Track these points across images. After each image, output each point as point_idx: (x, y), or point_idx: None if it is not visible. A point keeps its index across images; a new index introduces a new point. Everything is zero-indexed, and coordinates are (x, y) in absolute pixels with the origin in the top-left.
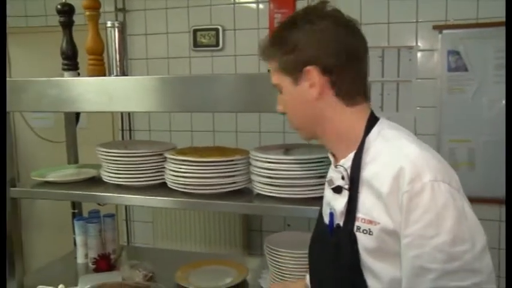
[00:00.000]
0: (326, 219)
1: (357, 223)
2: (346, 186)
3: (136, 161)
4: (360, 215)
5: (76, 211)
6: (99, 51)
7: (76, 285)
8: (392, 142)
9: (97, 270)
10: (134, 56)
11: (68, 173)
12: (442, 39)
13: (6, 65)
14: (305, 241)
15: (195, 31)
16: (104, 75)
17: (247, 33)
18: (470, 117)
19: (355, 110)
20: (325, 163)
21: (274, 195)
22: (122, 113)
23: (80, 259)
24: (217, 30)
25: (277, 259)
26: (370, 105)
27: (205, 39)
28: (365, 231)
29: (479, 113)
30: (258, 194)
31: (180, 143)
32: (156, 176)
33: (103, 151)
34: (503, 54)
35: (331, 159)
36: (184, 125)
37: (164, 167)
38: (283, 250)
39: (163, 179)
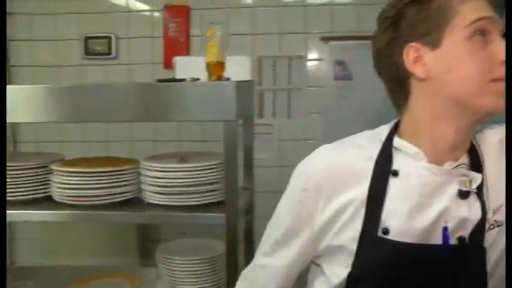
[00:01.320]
0: (422, 239)
1: (487, 224)
2: (475, 190)
3: (19, 174)
4: (489, 215)
5: None
6: None
7: None
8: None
9: None
10: (18, 63)
11: None
12: (328, 49)
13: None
14: (198, 247)
15: (87, 38)
16: None
17: (142, 41)
18: (356, 122)
19: None
20: (216, 170)
21: (165, 203)
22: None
23: None
24: (109, 38)
25: (170, 267)
26: None
27: (98, 47)
28: (493, 225)
29: (363, 119)
30: (150, 203)
31: (72, 154)
32: (41, 189)
33: None
34: None
35: (423, 157)
36: (76, 136)
37: (49, 180)
38: (174, 257)
39: (49, 192)
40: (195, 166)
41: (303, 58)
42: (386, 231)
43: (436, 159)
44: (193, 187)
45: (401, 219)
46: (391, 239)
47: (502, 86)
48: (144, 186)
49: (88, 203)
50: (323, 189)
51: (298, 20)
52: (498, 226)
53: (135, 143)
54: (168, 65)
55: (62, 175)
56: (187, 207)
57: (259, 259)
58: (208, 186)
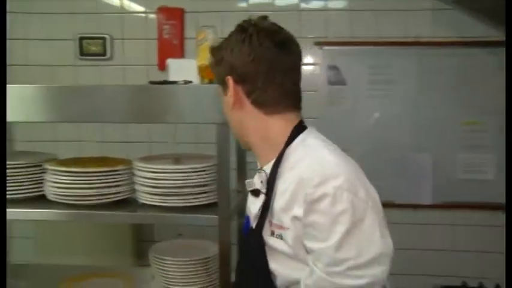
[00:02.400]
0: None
1: (271, 228)
2: (264, 190)
3: (13, 172)
4: (274, 220)
5: None
6: None
7: None
8: (312, 152)
9: None
10: (12, 62)
11: None
12: (322, 54)
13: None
14: (192, 248)
15: (81, 39)
16: None
17: (136, 43)
18: (349, 128)
19: (277, 118)
20: (208, 172)
21: (159, 204)
22: None
23: None
24: (104, 39)
25: (162, 267)
26: (299, 115)
27: (93, 47)
28: (278, 236)
29: (357, 124)
30: (143, 204)
31: (66, 154)
32: (35, 188)
33: None
34: (375, 70)
35: (258, 165)
36: (71, 136)
37: (43, 179)
38: (167, 258)
39: (42, 191)
40: (188, 168)
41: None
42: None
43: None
44: (186, 188)
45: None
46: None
47: None
48: (137, 187)
49: (82, 203)
50: None
51: (292, 24)
52: (280, 239)
53: (130, 144)
54: (163, 66)
55: (55, 174)
56: (180, 208)
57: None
58: (202, 188)
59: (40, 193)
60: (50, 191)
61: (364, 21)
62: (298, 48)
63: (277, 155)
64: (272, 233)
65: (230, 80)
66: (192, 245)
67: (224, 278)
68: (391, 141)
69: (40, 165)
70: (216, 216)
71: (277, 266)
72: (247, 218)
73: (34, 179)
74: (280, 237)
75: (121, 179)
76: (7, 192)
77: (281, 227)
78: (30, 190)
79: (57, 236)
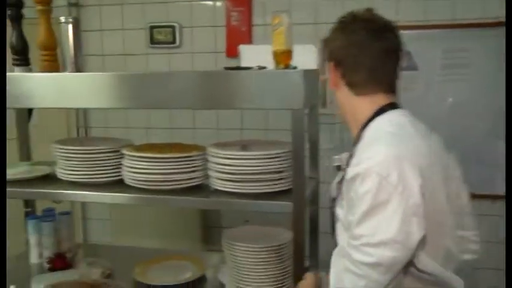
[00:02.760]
0: None
1: (341, 200)
2: (344, 166)
3: (93, 157)
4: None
5: (29, 209)
6: (51, 47)
7: (30, 286)
8: (373, 134)
9: (52, 269)
10: (89, 52)
11: (21, 170)
12: None
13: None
14: (263, 235)
15: (152, 28)
16: (58, 71)
17: (204, 30)
18: (421, 114)
19: (364, 99)
20: (282, 158)
21: (231, 190)
22: (77, 110)
23: (34, 259)
24: (173, 27)
25: (234, 253)
26: (390, 98)
27: (162, 36)
28: (341, 206)
29: (428, 110)
30: (216, 190)
31: (137, 140)
32: (113, 172)
33: (59, 148)
34: (450, 55)
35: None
36: (141, 122)
37: (121, 164)
38: (240, 244)
39: (120, 175)
40: (263, 154)
41: None
42: None
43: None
44: (260, 175)
45: None
46: None
47: None
48: (211, 173)
49: (157, 188)
50: None
51: (360, 8)
52: (342, 209)
53: (197, 131)
54: (231, 53)
55: (133, 160)
56: (253, 194)
57: None
58: (275, 175)
59: (118, 178)
60: (127, 176)
61: (437, 5)
62: (394, 36)
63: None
64: (340, 204)
65: (330, 65)
66: (263, 231)
67: (298, 265)
68: (467, 128)
69: (118, 151)
70: (290, 203)
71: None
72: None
73: (112, 164)
74: (342, 207)
75: (195, 164)
76: (88, 177)
77: (343, 199)
78: (108, 175)
79: (130, 218)
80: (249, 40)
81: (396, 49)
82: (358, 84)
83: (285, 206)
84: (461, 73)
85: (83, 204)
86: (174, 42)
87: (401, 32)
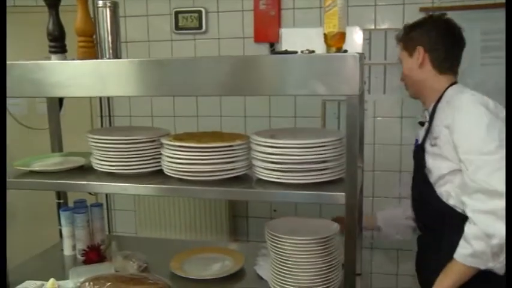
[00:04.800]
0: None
1: (430, 140)
2: (427, 120)
3: (131, 147)
4: (433, 135)
5: (62, 201)
6: (89, 33)
7: (65, 278)
8: (456, 95)
9: (87, 262)
10: None
11: (54, 161)
12: None
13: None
14: (304, 226)
15: (177, 13)
16: (95, 58)
17: (231, 15)
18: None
19: (444, 76)
20: (328, 147)
21: (277, 180)
22: (100, 98)
23: (67, 251)
24: (200, 12)
25: (279, 246)
26: (455, 77)
27: (188, 22)
28: (433, 144)
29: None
30: (259, 180)
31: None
32: (150, 163)
33: (95, 138)
34: (490, 36)
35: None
36: (166, 110)
37: (160, 154)
38: (286, 237)
39: (157, 165)
40: (312, 143)
41: (399, 31)
42: None
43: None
44: (307, 164)
45: None
46: None
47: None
48: (255, 162)
49: (198, 179)
50: None
51: None
52: (434, 146)
53: (224, 119)
54: (260, 38)
55: (173, 149)
56: (298, 185)
57: None
58: (320, 165)
59: (155, 168)
60: (167, 166)
61: None
62: (460, 33)
63: (436, 99)
64: (430, 143)
65: (421, 49)
66: (305, 223)
67: (349, 258)
68: None
69: (155, 141)
70: (343, 194)
71: (433, 163)
72: (416, 140)
73: (150, 154)
74: (435, 144)
75: (238, 154)
76: (126, 167)
77: (436, 138)
78: (146, 165)
79: (155, 210)
80: (278, 25)
81: (461, 42)
82: (440, 65)
83: (338, 196)
84: (502, 56)
85: (107, 196)
86: (200, 27)
87: (438, 13)
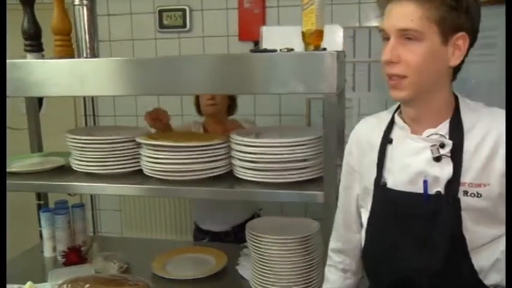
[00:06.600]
0: (409, 188)
1: (462, 188)
2: (449, 154)
3: (109, 147)
4: (466, 180)
5: (42, 202)
6: (66, 31)
7: (45, 280)
8: (481, 110)
9: (67, 263)
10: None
11: (34, 162)
12: None
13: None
14: (285, 226)
15: (161, 12)
16: (73, 57)
17: (216, 13)
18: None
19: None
20: (309, 146)
21: (256, 180)
22: (84, 98)
23: (47, 253)
24: (184, 10)
25: (259, 245)
26: None
27: (172, 20)
28: (473, 195)
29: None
30: (238, 179)
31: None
32: (130, 163)
33: (73, 138)
34: (488, 33)
35: (407, 129)
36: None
37: (139, 154)
38: (266, 236)
39: (137, 165)
40: (292, 141)
41: None
42: (384, 183)
43: (416, 129)
44: (286, 163)
45: (393, 175)
46: (389, 187)
47: (390, 81)
48: (234, 162)
49: (178, 178)
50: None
51: None
52: (478, 197)
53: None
54: (244, 37)
55: (151, 149)
56: (277, 184)
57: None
58: (300, 164)
59: (135, 168)
60: (146, 166)
61: None
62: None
63: (447, 117)
64: (465, 193)
65: (467, 38)
66: (286, 222)
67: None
68: None
69: (134, 141)
70: (322, 193)
71: (471, 226)
72: (426, 183)
73: (129, 154)
74: (477, 195)
75: (217, 153)
76: (105, 168)
77: (479, 185)
78: (126, 165)
79: (141, 210)
80: (262, 23)
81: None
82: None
83: (316, 195)
84: (486, 54)
85: (92, 196)
86: (184, 26)
87: None
